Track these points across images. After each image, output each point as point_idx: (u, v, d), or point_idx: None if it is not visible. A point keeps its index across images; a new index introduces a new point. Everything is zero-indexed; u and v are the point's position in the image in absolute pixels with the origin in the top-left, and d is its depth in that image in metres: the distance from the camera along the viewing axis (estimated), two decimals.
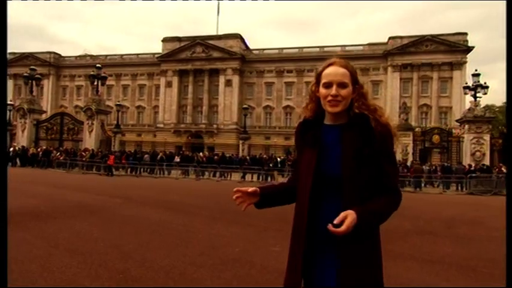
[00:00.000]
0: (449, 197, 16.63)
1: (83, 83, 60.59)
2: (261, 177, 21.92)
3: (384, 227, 1.51)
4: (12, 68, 60.02)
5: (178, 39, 56.60)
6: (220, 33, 55.77)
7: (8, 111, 29.90)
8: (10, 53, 60.00)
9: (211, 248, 5.27)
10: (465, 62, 47.47)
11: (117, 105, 36.81)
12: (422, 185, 20.16)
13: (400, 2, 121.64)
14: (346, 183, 1.44)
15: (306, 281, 1.50)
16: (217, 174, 22.85)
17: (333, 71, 1.51)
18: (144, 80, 60.03)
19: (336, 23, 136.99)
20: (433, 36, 48.50)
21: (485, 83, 24.96)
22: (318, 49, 53.13)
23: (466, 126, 24.52)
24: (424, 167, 22.05)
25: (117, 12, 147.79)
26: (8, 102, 31.89)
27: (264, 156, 26.23)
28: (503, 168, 20.05)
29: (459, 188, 19.73)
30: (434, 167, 22.70)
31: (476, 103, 24.57)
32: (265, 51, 57.18)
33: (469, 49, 47.59)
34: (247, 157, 25.72)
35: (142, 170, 23.34)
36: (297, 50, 55.08)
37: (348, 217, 1.34)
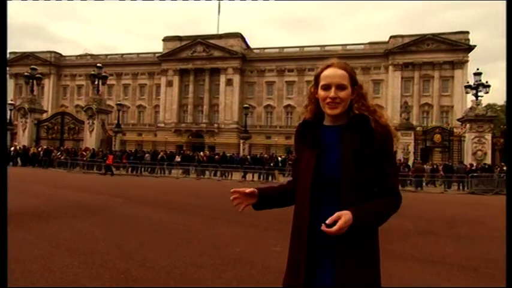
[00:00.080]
0: (451, 197, 16.60)
1: (83, 82, 60.66)
2: (261, 177, 21.86)
3: (385, 226, 1.50)
4: (13, 68, 60.17)
5: (179, 38, 56.57)
6: (221, 32, 55.72)
7: (8, 111, 29.95)
8: (11, 53, 60.10)
9: (212, 248, 5.27)
10: (466, 61, 47.31)
11: (117, 104, 36.76)
12: (424, 184, 20.15)
13: (400, 2, 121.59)
14: (345, 184, 1.43)
15: (305, 281, 1.49)
16: (218, 173, 22.85)
17: (332, 73, 1.50)
18: (144, 80, 60.02)
19: (336, 22, 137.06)
20: (434, 35, 48.34)
21: (486, 82, 24.93)
22: (318, 48, 53.09)
23: (468, 126, 24.48)
24: (425, 166, 22.02)
25: (118, 11, 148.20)
26: (9, 101, 31.91)
27: (265, 155, 26.17)
28: (504, 168, 19.99)
29: (460, 187, 19.69)
30: (435, 166, 22.66)
31: (477, 102, 24.53)
32: (266, 51, 57.04)
33: (471, 48, 47.43)
34: (248, 156, 25.70)
35: (143, 169, 23.37)
36: (297, 49, 54.98)
37: (341, 217, 1.33)
